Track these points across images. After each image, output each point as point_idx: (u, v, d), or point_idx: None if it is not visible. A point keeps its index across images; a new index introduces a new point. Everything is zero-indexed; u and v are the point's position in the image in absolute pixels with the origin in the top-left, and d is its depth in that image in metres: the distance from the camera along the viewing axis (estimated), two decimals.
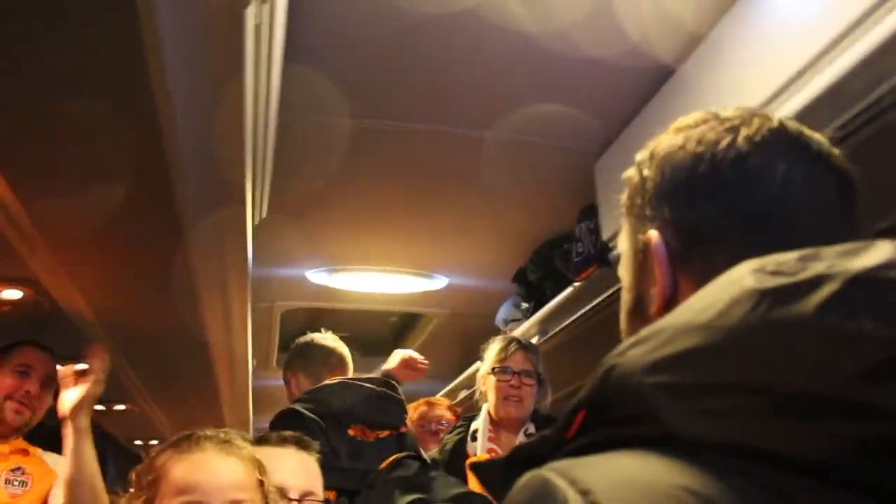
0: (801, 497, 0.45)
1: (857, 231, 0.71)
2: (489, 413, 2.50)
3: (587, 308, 2.79)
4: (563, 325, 2.99)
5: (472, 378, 4.06)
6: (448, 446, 2.51)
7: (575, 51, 1.97)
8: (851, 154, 0.75)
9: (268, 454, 1.56)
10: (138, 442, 5.05)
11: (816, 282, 0.50)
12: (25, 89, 1.54)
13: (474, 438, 2.49)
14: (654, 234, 0.73)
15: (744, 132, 0.72)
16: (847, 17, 1.45)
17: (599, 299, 2.70)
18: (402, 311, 4.37)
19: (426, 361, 2.52)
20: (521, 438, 2.46)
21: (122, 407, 4.17)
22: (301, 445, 1.72)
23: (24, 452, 2.57)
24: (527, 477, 0.54)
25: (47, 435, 2.70)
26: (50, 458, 2.61)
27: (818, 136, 0.74)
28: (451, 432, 2.60)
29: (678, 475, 0.48)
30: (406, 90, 2.18)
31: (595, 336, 2.93)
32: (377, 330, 4.89)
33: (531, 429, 2.48)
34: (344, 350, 2.68)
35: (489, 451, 2.45)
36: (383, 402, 2.35)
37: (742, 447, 0.48)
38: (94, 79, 1.52)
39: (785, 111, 1.58)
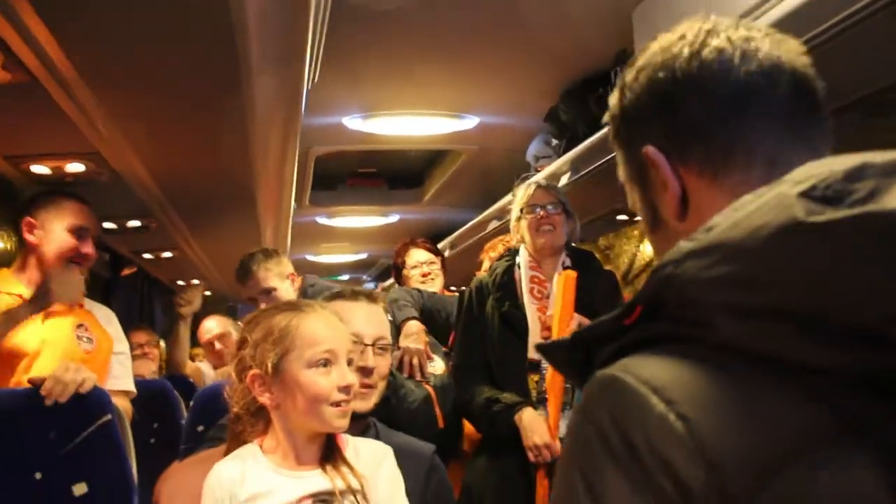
0: (831, 394, 0.55)
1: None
2: (528, 251, 2.69)
3: None
4: (595, 164, 3.10)
5: (502, 210, 4.21)
6: (499, 270, 2.74)
7: None
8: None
9: (343, 307, 1.79)
10: (180, 283, 5.28)
11: (863, 220, 0.54)
12: None
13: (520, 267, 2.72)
14: (648, 148, 0.78)
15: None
16: None
17: None
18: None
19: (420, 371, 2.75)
20: (559, 269, 2.66)
21: (169, 254, 4.33)
22: (371, 298, 1.94)
23: (80, 307, 2.50)
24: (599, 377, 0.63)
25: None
26: (99, 311, 2.60)
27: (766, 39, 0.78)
28: (500, 259, 2.83)
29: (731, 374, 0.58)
30: None
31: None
32: (404, 164, 5.00)
33: (567, 262, 2.68)
34: None
35: (532, 278, 2.66)
36: None
37: (783, 359, 0.57)
38: None
39: None
